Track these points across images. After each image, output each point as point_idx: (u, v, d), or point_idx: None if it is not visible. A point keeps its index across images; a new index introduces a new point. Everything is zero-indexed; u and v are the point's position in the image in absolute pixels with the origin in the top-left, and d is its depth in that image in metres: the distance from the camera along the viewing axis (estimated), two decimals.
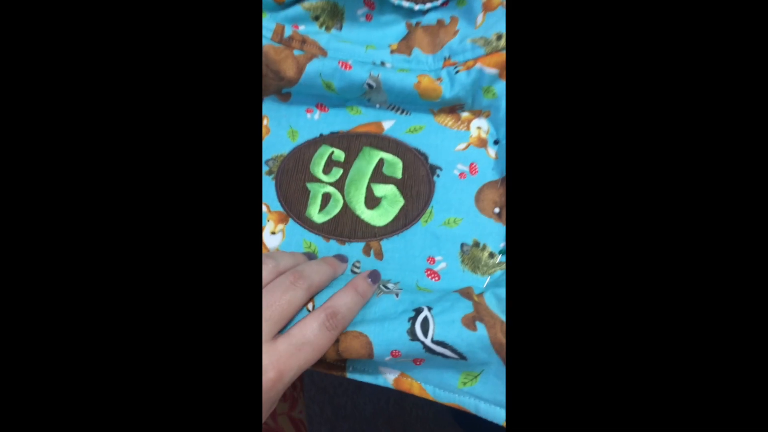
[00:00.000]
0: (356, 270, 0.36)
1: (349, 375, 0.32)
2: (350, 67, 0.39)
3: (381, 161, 0.40)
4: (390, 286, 0.34)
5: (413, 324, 0.31)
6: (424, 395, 0.31)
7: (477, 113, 0.41)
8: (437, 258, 0.36)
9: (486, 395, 0.31)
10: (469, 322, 0.31)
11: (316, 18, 0.41)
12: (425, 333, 0.31)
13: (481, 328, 0.30)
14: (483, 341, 0.30)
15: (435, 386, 0.32)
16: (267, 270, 0.30)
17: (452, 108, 0.41)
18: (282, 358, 0.27)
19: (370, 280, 0.33)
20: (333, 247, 0.37)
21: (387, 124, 0.41)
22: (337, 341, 0.31)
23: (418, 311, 0.32)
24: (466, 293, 0.33)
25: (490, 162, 0.39)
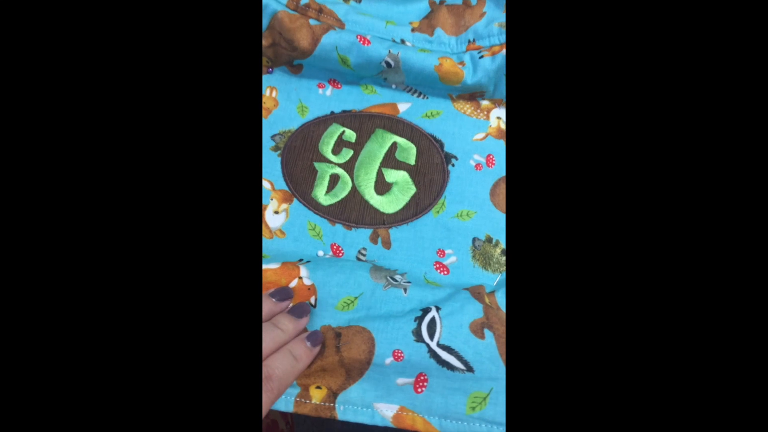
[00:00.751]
0: (362, 257, 0.34)
1: (340, 416, 0.28)
2: (368, 43, 0.37)
3: (394, 145, 0.38)
4: (398, 278, 0.32)
5: (419, 324, 0.29)
6: (430, 430, 0.27)
7: (498, 102, 0.39)
8: (447, 251, 0.35)
9: (498, 418, 0.27)
10: (477, 329, 0.29)
11: None
12: (431, 335, 0.29)
13: (489, 337, 0.29)
14: (491, 351, 0.29)
15: (441, 417, 0.27)
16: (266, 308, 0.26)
17: (472, 95, 0.39)
18: None
19: (309, 343, 0.28)
20: (338, 231, 0.35)
21: (402, 107, 0.39)
22: (338, 335, 0.29)
23: (426, 311, 0.30)
24: (477, 293, 0.31)
25: None
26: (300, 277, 0.32)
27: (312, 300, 0.31)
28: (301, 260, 0.33)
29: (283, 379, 0.25)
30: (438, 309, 0.30)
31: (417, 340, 0.29)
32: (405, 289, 0.31)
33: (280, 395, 0.26)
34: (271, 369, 0.25)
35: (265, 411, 0.24)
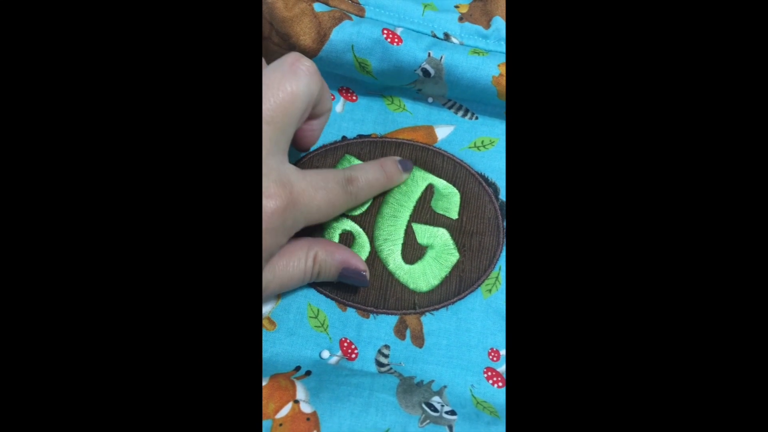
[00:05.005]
0: (383, 360, 0.24)
1: None
2: (399, 41, 0.25)
3: (429, 189, 0.27)
4: (437, 403, 0.23)
5: None
6: None
7: None
8: (503, 352, 0.25)
9: None
10: None
11: None
12: None
13: None
14: None
15: None
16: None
17: None
18: (297, 186, 0.21)
19: (401, 166, 0.26)
20: (351, 320, 0.25)
21: (442, 132, 0.28)
22: None
23: None
24: None
25: None
26: (296, 401, 0.22)
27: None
28: (297, 369, 0.23)
29: (365, 186, 0.24)
30: None
31: None
32: (450, 427, 0.22)
33: (356, 203, 0.25)
34: (356, 174, 0.24)
35: (336, 211, 0.24)
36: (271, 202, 0.20)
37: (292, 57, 0.21)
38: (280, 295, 0.25)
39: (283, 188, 0.20)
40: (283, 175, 0.21)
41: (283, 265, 0.22)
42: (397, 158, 0.26)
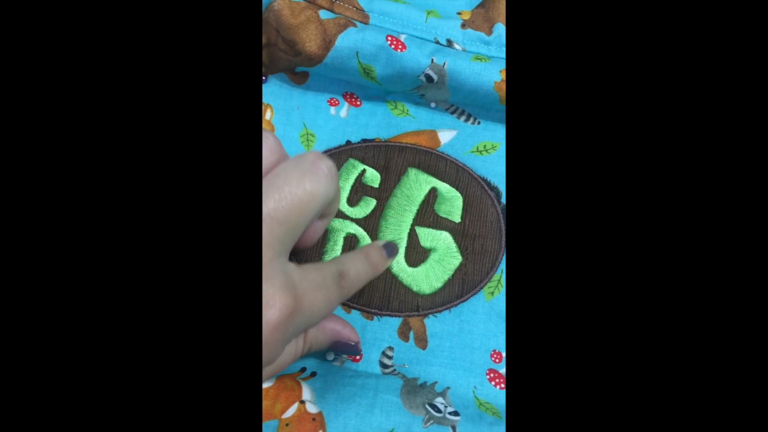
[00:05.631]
0: (387, 362, 0.25)
1: None
2: (403, 47, 0.26)
3: (432, 193, 0.27)
4: (440, 404, 0.23)
5: None
6: None
7: None
8: (505, 354, 0.25)
9: None
10: None
11: None
12: None
13: None
14: None
15: None
16: (267, 148, 0.20)
17: None
18: (300, 289, 0.19)
19: (385, 252, 0.25)
20: (356, 322, 0.25)
21: (445, 136, 0.28)
22: None
23: None
24: None
25: None
26: (302, 401, 0.22)
27: None
28: (303, 371, 0.24)
29: (355, 280, 0.23)
30: None
31: None
32: (454, 428, 0.22)
33: (349, 295, 0.23)
34: (346, 268, 0.23)
35: (332, 309, 0.22)
36: (275, 314, 0.18)
37: (314, 155, 0.20)
38: None
39: (287, 295, 0.19)
40: (288, 278, 0.19)
41: None
42: (381, 244, 0.25)
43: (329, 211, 0.22)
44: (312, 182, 0.19)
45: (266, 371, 0.21)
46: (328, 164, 0.20)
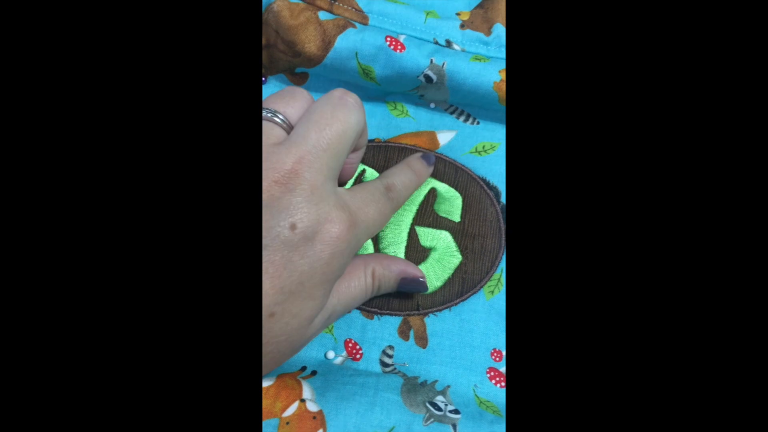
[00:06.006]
0: (387, 360, 0.25)
1: None
2: (402, 48, 0.26)
3: (432, 193, 0.28)
4: (440, 402, 0.23)
5: None
6: None
7: None
8: (505, 352, 0.25)
9: None
10: None
11: None
12: None
13: None
14: None
15: None
16: (300, 93, 0.23)
17: None
18: (353, 206, 0.21)
19: (424, 161, 0.27)
20: (356, 321, 0.26)
21: (444, 137, 0.29)
22: None
23: None
24: None
25: None
26: (302, 400, 0.22)
27: None
28: (303, 369, 0.24)
29: (402, 189, 0.25)
30: None
31: None
32: (454, 426, 0.22)
33: (398, 207, 0.25)
34: (392, 181, 0.25)
35: (385, 220, 0.24)
36: (335, 227, 0.20)
37: (340, 91, 0.22)
38: None
39: (343, 211, 0.20)
40: (339, 198, 0.21)
41: (345, 287, 0.22)
42: (419, 154, 0.27)
43: (360, 143, 0.24)
44: (344, 113, 0.21)
45: (338, 309, 0.22)
46: (354, 97, 0.22)
